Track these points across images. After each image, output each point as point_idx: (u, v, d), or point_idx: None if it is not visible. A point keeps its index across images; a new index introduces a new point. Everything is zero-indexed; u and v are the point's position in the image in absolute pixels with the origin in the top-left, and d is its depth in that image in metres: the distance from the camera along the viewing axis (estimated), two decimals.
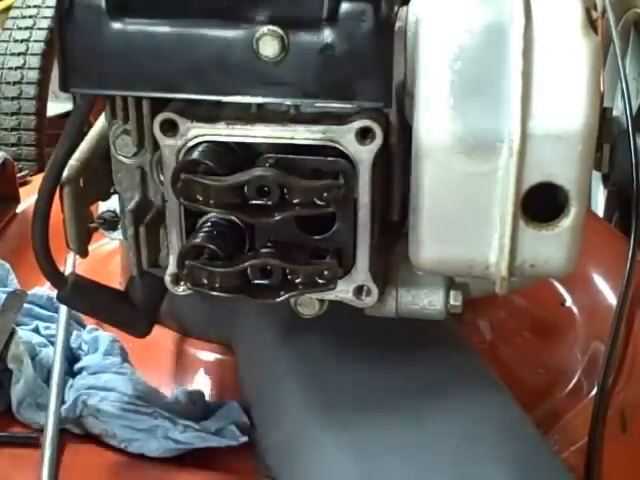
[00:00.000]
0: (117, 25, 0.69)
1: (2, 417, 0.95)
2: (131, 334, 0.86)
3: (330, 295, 0.74)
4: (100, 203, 0.84)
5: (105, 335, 1.02)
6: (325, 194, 0.67)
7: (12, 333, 0.96)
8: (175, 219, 0.73)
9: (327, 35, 0.66)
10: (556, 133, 0.62)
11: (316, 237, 0.71)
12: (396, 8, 0.67)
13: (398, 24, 0.67)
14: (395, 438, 0.80)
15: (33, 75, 2.09)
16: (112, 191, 0.81)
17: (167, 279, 0.76)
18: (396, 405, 0.83)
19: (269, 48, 0.66)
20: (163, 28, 0.68)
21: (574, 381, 1.08)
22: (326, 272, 0.70)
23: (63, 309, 1.01)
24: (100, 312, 0.85)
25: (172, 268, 0.75)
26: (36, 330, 1.02)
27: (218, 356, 1.08)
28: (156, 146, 0.72)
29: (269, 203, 0.67)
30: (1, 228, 1.24)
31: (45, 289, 1.07)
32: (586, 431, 0.95)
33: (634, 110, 1.17)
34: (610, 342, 1.02)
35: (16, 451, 0.92)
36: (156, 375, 1.03)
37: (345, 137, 0.68)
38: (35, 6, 2.21)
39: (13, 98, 2.09)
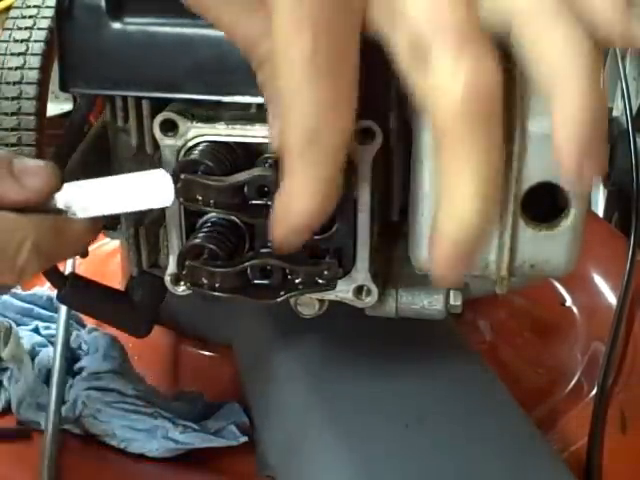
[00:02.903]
0: (117, 25, 0.69)
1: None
2: (131, 334, 0.86)
3: (330, 295, 0.74)
4: None
5: (105, 335, 1.02)
6: None
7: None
8: (175, 219, 0.73)
9: None
10: None
11: (316, 237, 0.71)
12: None
13: None
14: (395, 438, 0.80)
15: (33, 75, 2.08)
16: None
17: (167, 279, 0.76)
18: (396, 405, 0.83)
19: None
20: (163, 28, 0.68)
21: (574, 381, 1.08)
22: (326, 272, 0.70)
23: (63, 309, 1.01)
24: (100, 312, 0.85)
25: (172, 268, 0.75)
26: (36, 330, 1.02)
27: (218, 356, 1.08)
28: (156, 146, 0.72)
29: (269, 203, 0.66)
30: None
31: (45, 289, 1.07)
32: (586, 431, 0.95)
33: (634, 110, 1.17)
34: (610, 342, 1.02)
35: (16, 451, 0.92)
36: (156, 375, 1.03)
37: None
38: (35, 6, 2.20)
39: (13, 98, 2.08)
